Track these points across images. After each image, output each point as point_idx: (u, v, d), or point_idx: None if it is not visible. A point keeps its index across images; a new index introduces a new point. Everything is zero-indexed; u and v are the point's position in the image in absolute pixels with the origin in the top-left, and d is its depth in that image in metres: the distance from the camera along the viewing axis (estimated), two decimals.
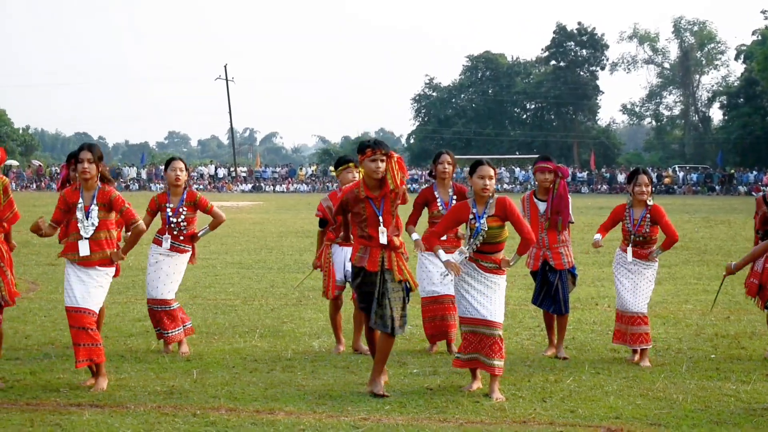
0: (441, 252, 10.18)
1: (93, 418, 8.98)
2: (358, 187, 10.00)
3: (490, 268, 10.17)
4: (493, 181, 10.19)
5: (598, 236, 12.26)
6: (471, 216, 10.15)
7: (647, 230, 11.88)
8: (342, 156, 12.58)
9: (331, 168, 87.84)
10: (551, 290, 12.11)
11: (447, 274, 10.84)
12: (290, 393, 10.08)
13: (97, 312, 10.38)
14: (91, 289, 10.21)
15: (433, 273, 12.00)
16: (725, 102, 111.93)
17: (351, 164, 12.01)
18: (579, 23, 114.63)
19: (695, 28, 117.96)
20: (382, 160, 9.78)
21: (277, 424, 8.85)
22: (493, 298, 10.18)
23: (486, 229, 10.08)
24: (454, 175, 12.56)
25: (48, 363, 11.52)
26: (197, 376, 10.86)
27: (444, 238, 11.44)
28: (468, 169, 10.60)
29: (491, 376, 10.04)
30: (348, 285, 11.93)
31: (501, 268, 10.21)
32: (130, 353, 12.14)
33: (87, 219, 10.19)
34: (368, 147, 9.81)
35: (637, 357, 11.90)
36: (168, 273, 12.36)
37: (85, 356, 10.03)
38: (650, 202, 11.95)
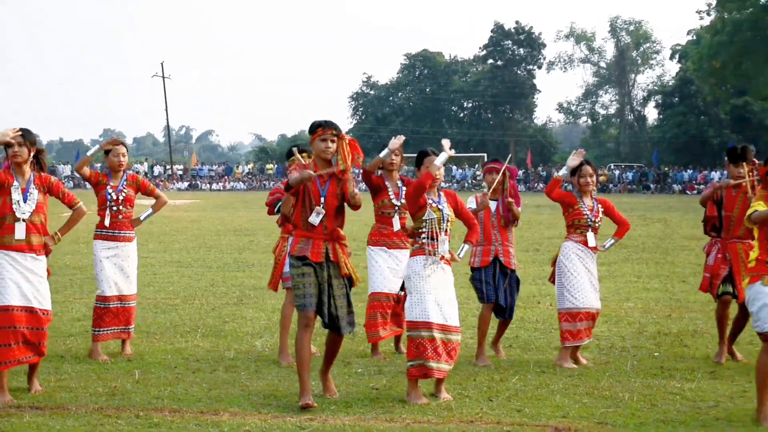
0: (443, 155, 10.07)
1: (33, 421, 8.86)
2: (308, 166, 9.75)
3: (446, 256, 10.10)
4: (442, 171, 10.17)
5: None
6: (431, 201, 10.05)
7: (597, 220, 11.91)
8: (293, 145, 12.41)
9: (272, 166, 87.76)
10: (499, 291, 12.03)
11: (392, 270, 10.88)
12: (234, 393, 10.01)
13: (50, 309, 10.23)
14: (40, 283, 10.09)
15: (383, 268, 11.91)
16: (660, 101, 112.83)
17: (304, 153, 11.87)
18: (517, 22, 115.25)
19: (631, 28, 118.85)
20: (332, 140, 9.62)
21: (221, 425, 8.77)
22: (451, 295, 10.15)
23: (450, 214, 10.07)
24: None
25: None
26: (139, 376, 10.75)
27: (397, 229, 11.48)
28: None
29: (438, 380, 9.98)
30: None
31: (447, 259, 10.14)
32: (69, 354, 12.00)
33: (25, 201, 10.03)
34: (319, 126, 9.64)
35: (580, 361, 11.88)
36: (122, 267, 12.10)
37: (20, 354, 9.86)
38: (595, 195, 12.02)
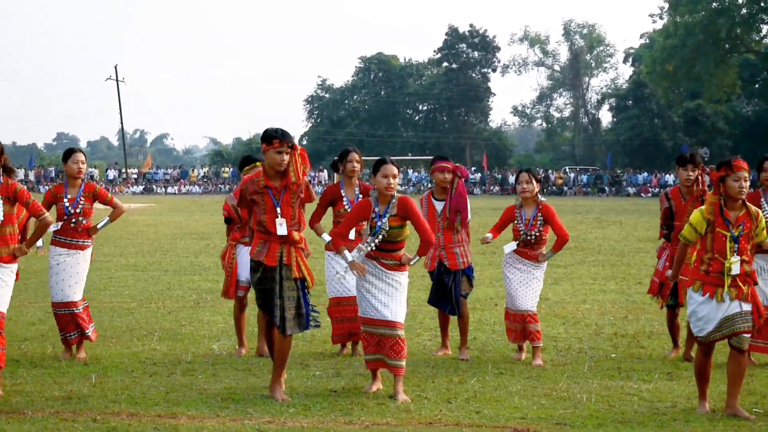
0: (346, 253, 10.07)
1: None
2: (258, 176, 9.83)
3: (392, 265, 10.14)
4: (397, 180, 10.17)
5: (489, 235, 12.23)
6: (373, 214, 10.10)
7: (539, 230, 11.96)
8: (246, 155, 12.44)
9: (227, 169, 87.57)
10: (446, 291, 12.08)
11: (347, 272, 10.87)
12: (192, 397, 9.95)
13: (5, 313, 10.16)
14: (3, 288, 10.06)
15: (341, 274, 11.88)
16: (614, 104, 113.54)
17: (258, 164, 11.87)
18: (471, 25, 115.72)
19: (585, 31, 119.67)
20: (287, 153, 9.66)
21: (179, 428, 8.73)
22: (395, 296, 10.14)
23: (387, 228, 10.05)
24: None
25: None
26: (96, 380, 10.66)
27: (352, 237, 11.46)
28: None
29: (395, 377, 9.99)
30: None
31: (402, 265, 10.18)
32: (25, 358, 11.91)
33: None
34: (275, 138, 9.64)
35: (523, 355, 12.00)
36: (71, 273, 12.06)
37: None
38: (541, 198, 12.08)
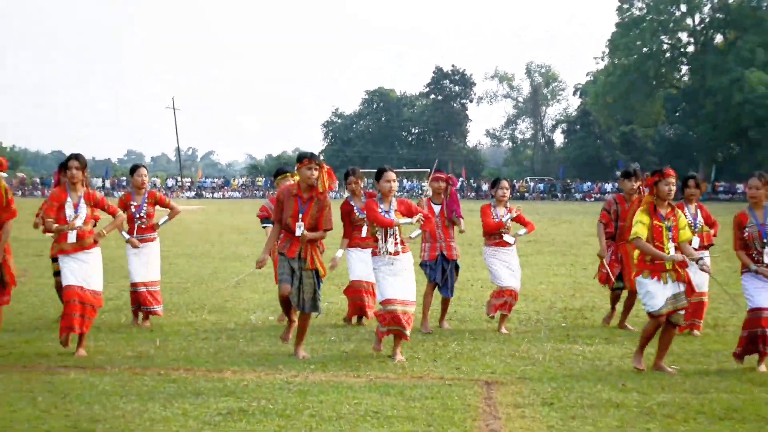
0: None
1: (78, 378, 8.84)
2: (293, 186, 9.95)
3: (397, 250, 10.11)
4: (396, 183, 10.23)
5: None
6: (381, 211, 10.09)
7: (508, 225, 11.98)
8: (280, 167, 12.53)
9: (261, 178, 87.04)
10: (443, 276, 12.10)
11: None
12: (234, 356, 10.02)
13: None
14: (93, 271, 10.20)
15: (358, 262, 11.96)
16: (565, 128, 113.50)
17: (288, 174, 11.96)
18: (453, 66, 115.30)
19: (543, 70, 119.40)
20: (315, 169, 9.74)
21: (225, 380, 8.79)
22: (408, 280, 10.12)
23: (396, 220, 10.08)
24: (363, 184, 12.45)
25: (38, 334, 11.32)
26: (159, 343, 10.73)
27: (364, 234, 11.54)
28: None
29: (395, 341, 10.02)
30: None
31: (404, 245, 10.18)
32: (104, 326, 11.94)
33: (75, 213, 10.07)
34: (306, 157, 9.76)
35: (502, 327, 11.94)
36: (144, 260, 12.20)
37: (75, 323, 9.93)
38: (509, 205, 12.10)
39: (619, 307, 12.49)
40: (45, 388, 8.42)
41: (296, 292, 9.80)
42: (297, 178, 10.17)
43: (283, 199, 9.91)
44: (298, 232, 9.77)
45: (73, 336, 10.11)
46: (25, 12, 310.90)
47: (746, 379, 9.09)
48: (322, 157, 10.26)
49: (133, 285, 12.17)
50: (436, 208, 12.08)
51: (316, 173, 9.76)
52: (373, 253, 10.17)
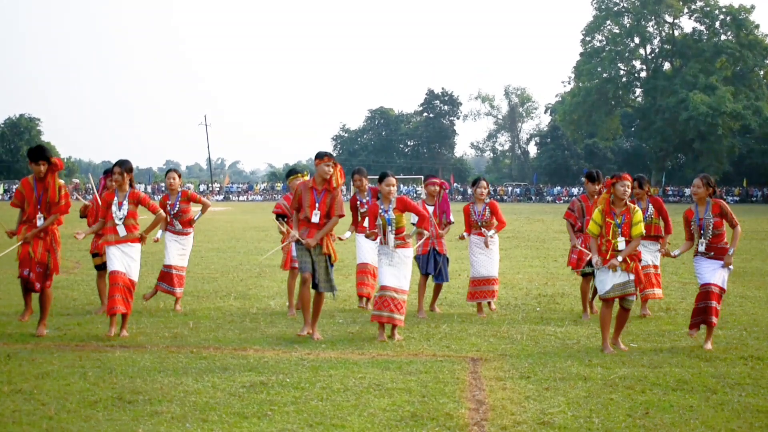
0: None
1: (122, 355, 8.77)
2: (309, 182, 9.98)
3: (399, 244, 10.08)
4: (395, 186, 10.22)
5: (466, 234, 12.16)
6: (381, 210, 10.10)
7: (487, 219, 11.92)
8: (291, 168, 12.53)
9: (279, 184, 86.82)
10: (436, 267, 12.03)
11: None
12: (256, 337, 9.93)
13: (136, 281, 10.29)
14: (133, 263, 10.14)
15: (366, 247, 11.93)
16: (538, 141, 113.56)
17: (298, 174, 11.91)
18: (443, 88, 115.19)
19: (519, 92, 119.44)
20: (331, 166, 9.85)
21: (248, 357, 8.72)
22: (404, 270, 10.09)
23: (393, 217, 10.05)
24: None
25: (89, 318, 11.22)
26: (192, 326, 10.63)
27: (366, 225, 11.58)
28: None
29: (394, 326, 9.94)
30: None
31: (406, 242, 10.11)
32: (145, 310, 11.85)
33: (119, 210, 10.04)
34: (326, 155, 9.90)
35: (481, 313, 11.80)
36: (178, 249, 12.19)
37: (119, 304, 9.89)
38: (487, 200, 12.02)
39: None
40: (94, 364, 8.35)
41: (313, 274, 9.83)
42: (306, 177, 10.30)
43: (300, 192, 9.96)
44: (314, 220, 9.78)
45: (117, 319, 10.04)
46: (86, 44, 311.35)
47: (694, 355, 9.03)
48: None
49: (167, 266, 12.14)
50: (430, 209, 12.03)
51: (331, 170, 9.86)
52: (380, 243, 10.17)
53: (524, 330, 10.56)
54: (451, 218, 12.20)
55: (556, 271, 17.47)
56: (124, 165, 10.20)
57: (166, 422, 6.39)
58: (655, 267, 11.79)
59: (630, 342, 9.70)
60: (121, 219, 10.02)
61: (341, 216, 9.96)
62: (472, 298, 11.96)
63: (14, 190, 9.75)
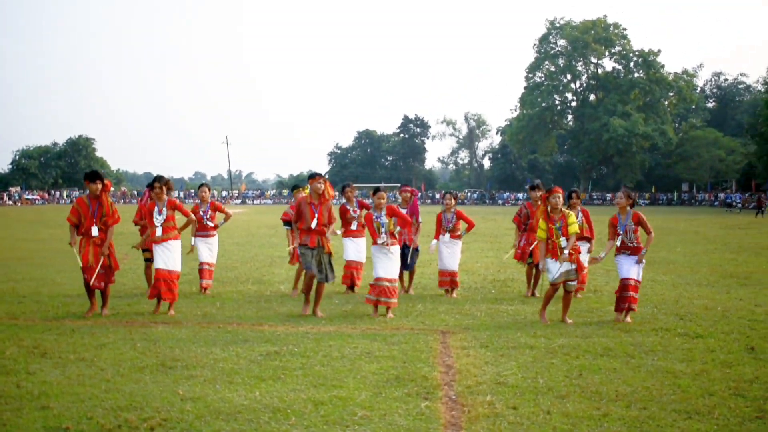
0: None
1: (163, 330, 8.72)
2: (307, 197, 9.94)
3: (389, 242, 10.07)
4: (386, 198, 10.26)
5: (435, 242, 12.01)
6: (375, 216, 10.14)
7: (453, 223, 11.93)
8: (295, 184, 12.50)
9: (285, 191, 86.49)
10: (407, 258, 12.04)
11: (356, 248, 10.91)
12: (270, 315, 9.90)
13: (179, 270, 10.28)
14: (174, 255, 10.16)
15: (351, 248, 11.87)
16: (491, 156, 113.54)
17: (300, 188, 11.90)
18: (416, 114, 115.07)
19: (476, 117, 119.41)
20: (323, 183, 9.85)
21: (264, 332, 8.68)
22: (394, 263, 10.08)
23: (386, 221, 10.09)
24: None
25: (137, 299, 11.17)
26: (219, 306, 10.60)
27: (354, 228, 11.62)
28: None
29: (387, 308, 9.93)
30: None
31: (394, 240, 10.11)
32: (181, 294, 11.71)
33: (159, 215, 10.04)
34: (317, 175, 9.88)
35: (449, 295, 11.85)
36: (207, 248, 12.11)
37: (167, 295, 9.98)
38: (454, 210, 12.01)
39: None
40: (141, 336, 8.31)
41: (318, 271, 9.79)
42: (308, 191, 10.22)
43: (301, 207, 9.90)
44: (313, 226, 9.73)
45: (164, 303, 10.08)
46: (133, 76, 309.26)
47: (617, 327, 9.07)
48: (327, 176, 10.28)
49: (201, 264, 12.07)
50: (403, 211, 12.06)
51: (322, 186, 9.84)
52: (374, 243, 10.15)
53: (483, 308, 10.57)
54: (420, 219, 12.21)
55: (506, 261, 17.49)
56: (162, 180, 10.23)
57: (200, 384, 6.37)
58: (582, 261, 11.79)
59: (569, 316, 9.72)
60: (160, 222, 10.05)
61: (334, 220, 9.97)
62: (441, 285, 11.99)
63: (71, 208, 9.65)
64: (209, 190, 12.40)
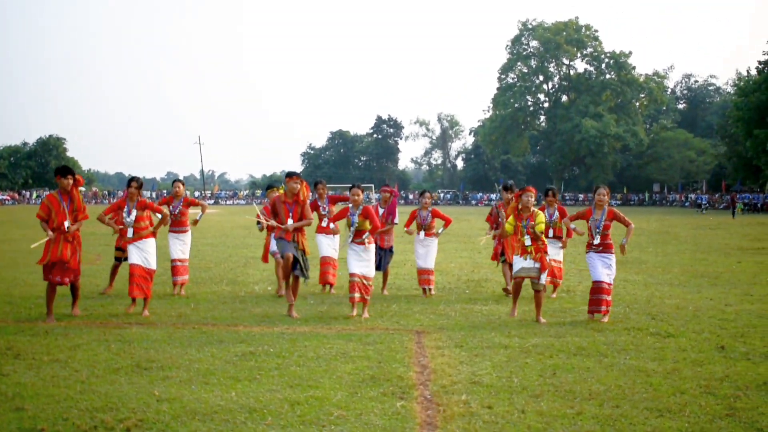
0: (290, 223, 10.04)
1: (138, 331, 8.66)
2: (282, 196, 9.94)
3: (361, 242, 10.14)
4: (362, 196, 10.32)
5: (406, 229, 12.16)
6: (350, 214, 10.20)
7: (429, 221, 11.99)
8: (269, 183, 12.46)
9: (259, 191, 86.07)
10: (378, 258, 12.07)
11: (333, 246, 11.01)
12: (245, 315, 9.87)
13: (153, 268, 10.25)
14: (150, 253, 10.17)
15: (325, 244, 11.84)
16: (464, 157, 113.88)
17: (274, 188, 11.89)
18: (389, 115, 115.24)
19: (449, 118, 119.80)
20: (298, 183, 9.84)
21: (239, 332, 8.66)
22: (368, 261, 10.13)
23: (358, 222, 10.13)
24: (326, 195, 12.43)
25: (110, 300, 11.10)
26: (193, 306, 10.55)
27: (325, 225, 11.70)
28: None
29: (363, 305, 9.98)
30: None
31: (366, 242, 10.16)
32: (154, 294, 11.64)
33: (129, 216, 10.07)
34: (295, 175, 9.86)
35: (426, 294, 11.92)
36: (180, 245, 12.05)
37: (139, 292, 9.99)
38: (430, 208, 12.07)
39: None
40: (116, 338, 8.26)
41: (294, 268, 9.78)
42: (282, 191, 10.23)
43: (275, 205, 9.92)
44: (289, 225, 9.72)
45: (138, 301, 10.00)
46: (105, 76, 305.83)
47: (590, 327, 9.18)
48: (301, 175, 10.29)
49: (173, 261, 11.99)
50: (381, 211, 12.14)
51: (298, 186, 9.83)
52: (318, 227, 10.45)
53: (457, 308, 10.63)
54: (396, 220, 12.26)
55: (481, 261, 17.59)
56: (138, 181, 10.27)
57: (176, 385, 6.36)
58: (558, 261, 11.86)
59: (540, 318, 9.81)
60: (130, 223, 10.09)
61: (310, 220, 9.94)
62: (421, 284, 12.04)
63: (41, 204, 9.55)
64: (183, 185, 12.32)
